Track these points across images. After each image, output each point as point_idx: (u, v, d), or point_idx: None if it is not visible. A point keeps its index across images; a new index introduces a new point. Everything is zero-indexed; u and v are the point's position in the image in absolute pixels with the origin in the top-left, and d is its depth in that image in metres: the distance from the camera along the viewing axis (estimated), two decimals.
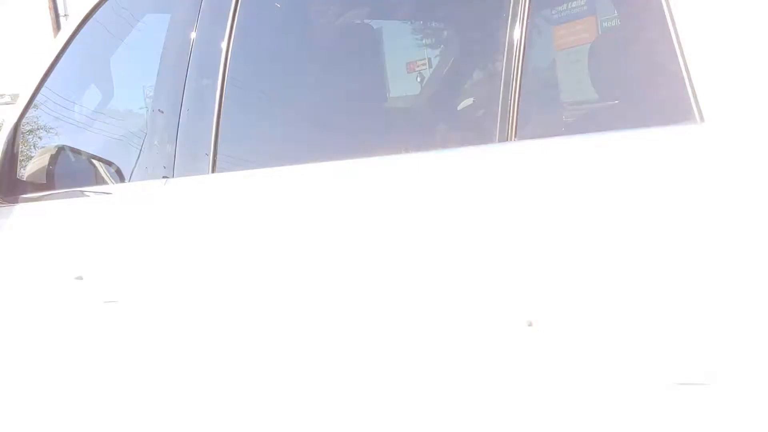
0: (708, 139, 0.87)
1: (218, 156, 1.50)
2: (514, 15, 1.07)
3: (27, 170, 2.24)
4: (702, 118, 0.87)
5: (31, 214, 2.11)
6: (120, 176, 1.97)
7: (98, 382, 1.76)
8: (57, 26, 10.21)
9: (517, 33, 1.06)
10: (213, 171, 1.48)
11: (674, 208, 0.88)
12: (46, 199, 2.08)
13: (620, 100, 1.11)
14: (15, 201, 2.16)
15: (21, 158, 2.27)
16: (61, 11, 10.50)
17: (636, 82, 1.04)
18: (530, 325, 0.97)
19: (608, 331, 0.92)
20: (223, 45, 1.54)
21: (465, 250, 1.06)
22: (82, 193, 1.98)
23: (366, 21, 1.44)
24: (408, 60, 1.69)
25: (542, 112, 1.14)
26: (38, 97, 2.25)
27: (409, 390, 1.13)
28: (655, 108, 0.98)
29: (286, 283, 1.31)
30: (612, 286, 0.93)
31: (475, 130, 1.21)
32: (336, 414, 1.25)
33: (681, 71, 0.88)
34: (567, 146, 1.02)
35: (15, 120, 2.27)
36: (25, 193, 2.16)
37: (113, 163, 2.01)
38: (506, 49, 1.08)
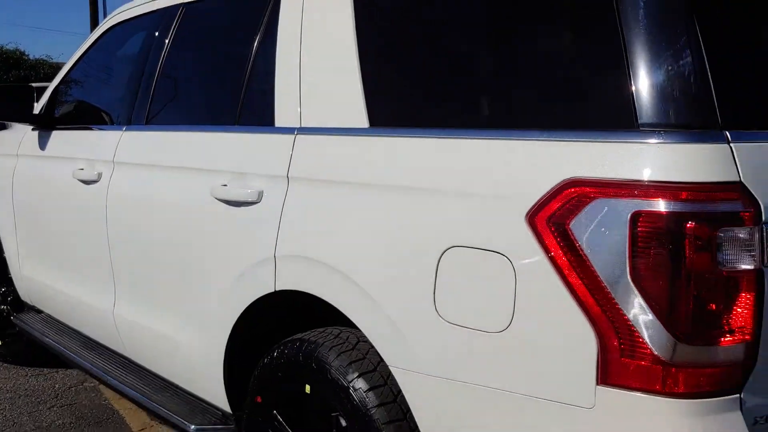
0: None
1: (151, 116, 3.18)
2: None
3: (60, 112, 3.95)
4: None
5: (61, 136, 3.82)
6: (110, 121, 3.66)
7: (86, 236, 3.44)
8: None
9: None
10: (147, 123, 3.17)
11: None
12: (68, 130, 3.79)
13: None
14: (52, 129, 3.87)
15: (56, 105, 3.97)
16: None
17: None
18: None
19: None
20: (162, 53, 3.19)
21: None
22: (94, 127, 3.68)
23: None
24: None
25: None
26: (71, 72, 3.96)
27: None
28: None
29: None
30: None
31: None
32: None
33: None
34: None
35: (56, 84, 3.99)
36: (60, 125, 3.87)
37: (108, 113, 3.71)
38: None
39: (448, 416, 1.89)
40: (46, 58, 36.90)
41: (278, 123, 2.47)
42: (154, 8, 3.36)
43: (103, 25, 3.82)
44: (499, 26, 2.01)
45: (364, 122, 2.18)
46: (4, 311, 4.60)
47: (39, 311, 4.24)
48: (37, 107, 4.05)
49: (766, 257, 1.53)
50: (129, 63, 3.49)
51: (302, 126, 2.37)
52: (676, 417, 1.54)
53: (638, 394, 1.56)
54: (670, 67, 1.60)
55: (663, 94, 1.59)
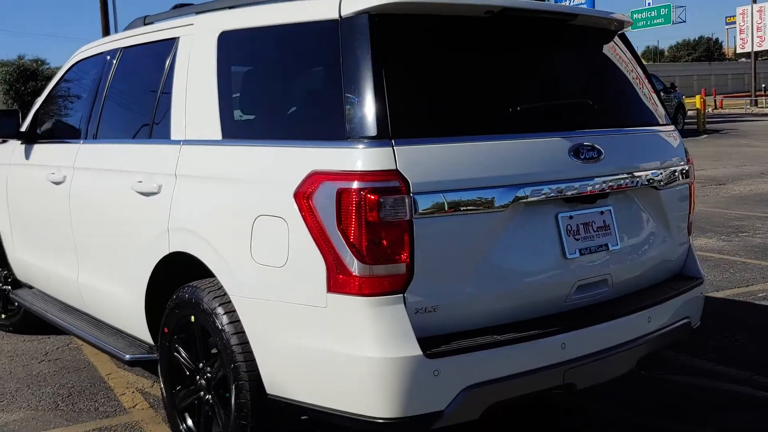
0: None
1: (99, 133, 4.29)
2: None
3: (41, 129, 5.06)
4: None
5: (40, 148, 4.93)
6: (74, 136, 4.76)
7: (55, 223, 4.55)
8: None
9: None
10: (95, 138, 4.27)
11: None
12: (46, 143, 4.91)
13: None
14: (34, 142, 4.99)
15: (38, 124, 5.09)
16: None
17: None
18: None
19: None
20: (107, 84, 4.30)
21: None
22: (62, 141, 4.79)
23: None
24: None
25: None
26: (48, 97, 5.07)
27: None
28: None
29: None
30: None
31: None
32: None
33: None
34: None
35: (37, 106, 5.11)
36: (40, 139, 4.98)
37: (73, 129, 4.81)
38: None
39: (259, 322, 2.96)
40: None
41: (173, 137, 3.55)
42: (104, 50, 4.48)
43: (71, 60, 4.93)
44: (278, 80, 3.14)
45: (219, 136, 3.26)
46: (5, 290, 5.74)
47: (31, 287, 5.36)
48: (25, 124, 5.17)
49: (414, 212, 2.60)
50: (86, 90, 4.60)
51: (186, 139, 3.45)
52: (364, 307, 2.60)
53: (346, 296, 2.63)
54: (365, 104, 2.67)
55: (359, 118, 2.67)
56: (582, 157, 3.00)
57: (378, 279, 2.60)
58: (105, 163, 4.05)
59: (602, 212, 3.12)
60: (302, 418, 2.95)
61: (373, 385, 2.60)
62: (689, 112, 29.59)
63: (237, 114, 3.30)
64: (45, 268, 4.86)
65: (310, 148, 2.79)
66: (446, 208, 2.67)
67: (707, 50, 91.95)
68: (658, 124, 3.55)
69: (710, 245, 8.15)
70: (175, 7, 4.11)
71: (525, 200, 2.84)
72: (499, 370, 2.74)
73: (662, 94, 25.29)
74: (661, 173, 3.36)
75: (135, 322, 3.85)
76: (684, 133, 25.92)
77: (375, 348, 2.59)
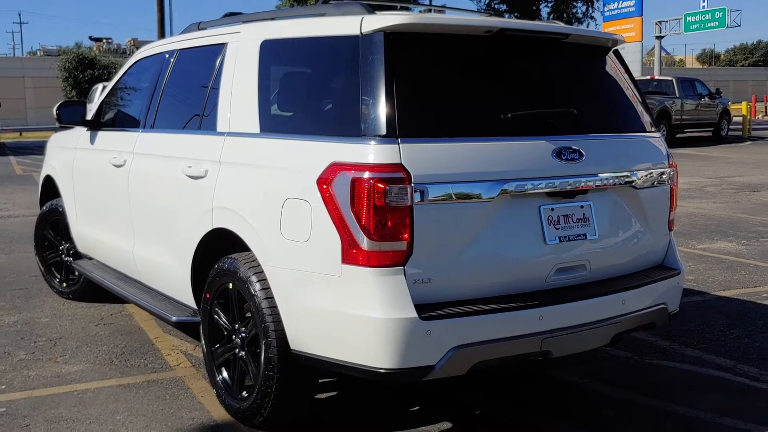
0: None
1: (156, 123, 4.89)
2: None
3: (105, 118, 5.70)
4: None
5: (104, 135, 5.56)
6: (134, 125, 5.37)
7: (118, 203, 5.17)
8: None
9: None
10: (153, 127, 4.88)
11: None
12: (109, 131, 5.54)
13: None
14: (98, 130, 5.63)
15: (102, 113, 5.72)
16: None
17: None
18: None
19: None
20: (164, 80, 4.90)
21: None
22: (123, 129, 5.41)
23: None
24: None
25: None
26: (112, 90, 5.70)
27: None
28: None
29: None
30: None
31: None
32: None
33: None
34: None
35: (103, 97, 5.75)
36: (103, 127, 5.61)
37: (133, 119, 5.43)
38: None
39: (286, 288, 3.51)
40: (120, 59, 39.20)
41: (218, 129, 4.12)
42: (163, 50, 5.09)
43: (133, 58, 5.56)
44: (307, 84, 3.69)
45: (257, 130, 3.82)
46: (67, 261, 6.40)
47: (90, 258, 6.01)
48: (90, 113, 5.81)
49: (414, 199, 3.12)
50: (145, 85, 5.21)
51: (229, 131, 4.02)
52: (371, 276, 3.14)
53: (356, 267, 3.17)
54: (377, 107, 3.20)
55: (372, 119, 3.20)
56: (564, 158, 3.48)
57: (383, 254, 3.13)
58: (160, 150, 4.65)
59: (582, 206, 3.60)
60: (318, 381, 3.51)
61: (377, 341, 3.14)
62: (736, 118, 29.47)
63: (273, 111, 3.85)
64: (104, 241, 5.49)
65: (331, 143, 3.33)
66: (442, 197, 3.18)
67: (765, 55, 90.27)
68: (643, 131, 4.01)
69: (728, 248, 8.49)
70: (226, 15, 4.69)
71: (510, 193, 3.34)
72: (484, 334, 3.24)
73: (706, 99, 25.36)
74: (640, 175, 3.82)
75: (182, 289, 4.44)
76: (728, 140, 26.10)
77: (379, 310, 3.12)
